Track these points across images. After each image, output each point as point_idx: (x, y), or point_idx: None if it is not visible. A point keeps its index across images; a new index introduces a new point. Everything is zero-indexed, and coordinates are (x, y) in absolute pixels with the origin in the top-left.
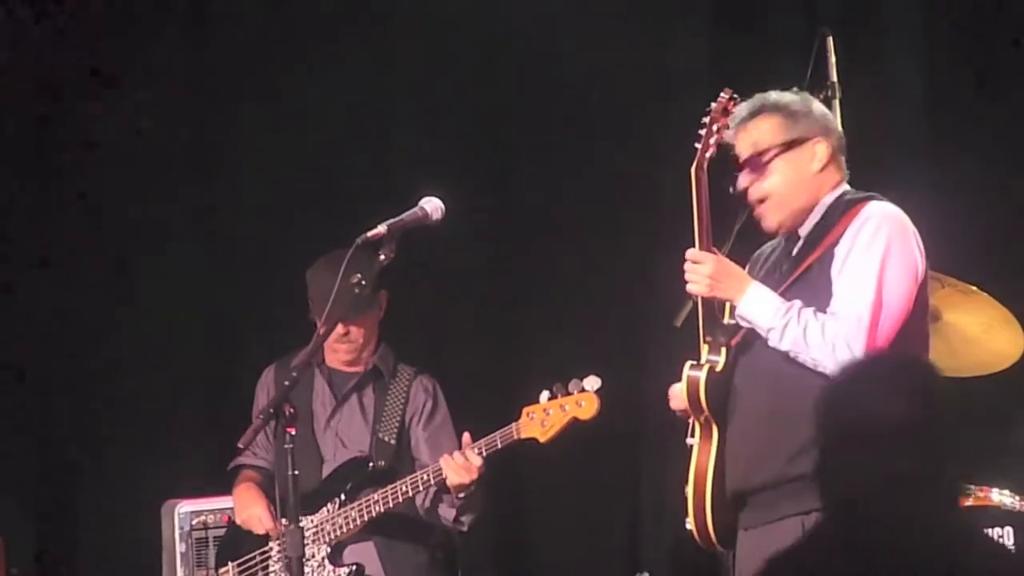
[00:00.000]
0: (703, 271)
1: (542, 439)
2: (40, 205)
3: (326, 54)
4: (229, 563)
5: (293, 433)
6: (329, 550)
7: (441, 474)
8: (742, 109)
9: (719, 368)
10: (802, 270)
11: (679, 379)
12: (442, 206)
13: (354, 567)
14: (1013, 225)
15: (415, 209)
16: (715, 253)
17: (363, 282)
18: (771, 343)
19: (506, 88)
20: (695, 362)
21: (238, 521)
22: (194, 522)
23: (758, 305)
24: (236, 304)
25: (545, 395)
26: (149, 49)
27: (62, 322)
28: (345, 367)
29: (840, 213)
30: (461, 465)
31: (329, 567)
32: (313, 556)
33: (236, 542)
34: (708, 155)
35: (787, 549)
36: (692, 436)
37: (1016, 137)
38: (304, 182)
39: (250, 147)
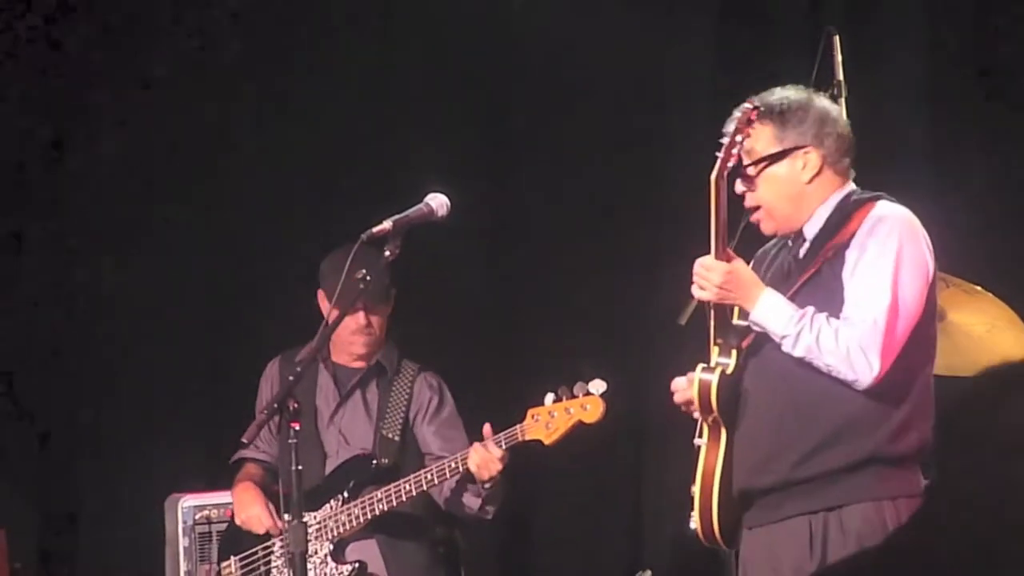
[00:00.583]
0: (712, 279)
1: (547, 441)
2: (42, 201)
3: (329, 51)
4: (231, 557)
5: (297, 428)
6: (332, 547)
7: (467, 461)
8: (741, 110)
9: (730, 371)
10: (812, 272)
11: (682, 376)
12: (447, 202)
13: (356, 564)
14: (1018, 224)
15: (420, 205)
16: (731, 259)
17: (368, 277)
18: (784, 349)
19: (510, 86)
20: (706, 365)
21: (237, 522)
22: (197, 516)
23: (770, 313)
24: (239, 298)
25: (550, 397)
26: (150, 43)
27: (64, 316)
28: (349, 362)
29: (848, 214)
30: (484, 458)
31: (332, 564)
32: (316, 553)
33: (238, 536)
34: (729, 164)
35: (790, 546)
36: (700, 436)
37: (1020, 135)
38: (308, 178)
39: (253, 143)
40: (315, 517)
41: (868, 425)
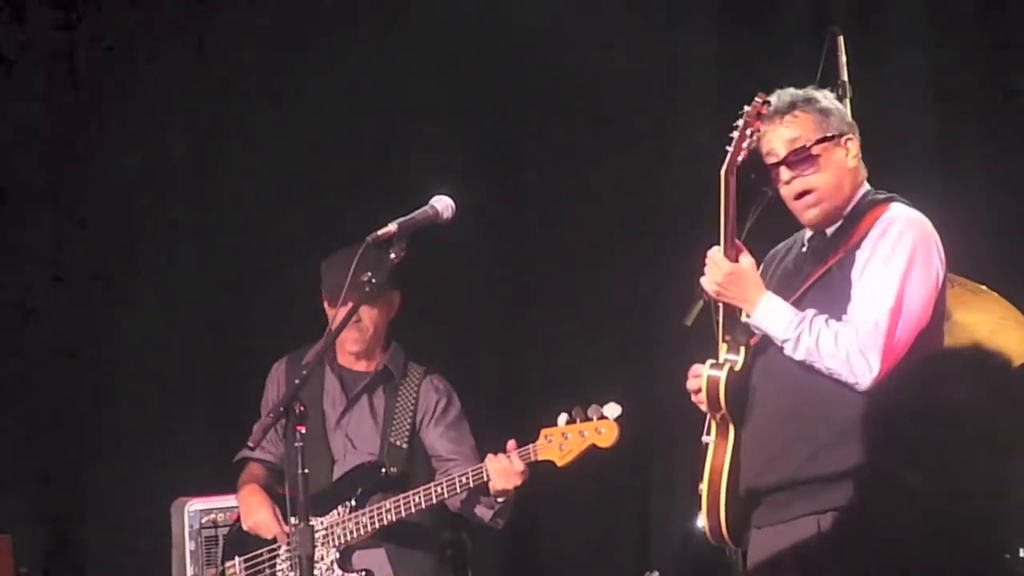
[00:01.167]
0: (713, 276)
1: (560, 463)
2: (45, 206)
3: (334, 52)
4: (236, 558)
5: (303, 432)
6: (338, 555)
7: (481, 476)
8: (775, 104)
9: (738, 368)
10: (823, 272)
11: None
12: (453, 205)
13: (363, 573)
14: (1023, 224)
15: (426, 208)
16: (740, 253)
17: (373, 280)
18: (787, 353)
19: (515, 89)
20: (715, 361)
21: (245, 527)
22: (204, 520)
23: (769, 317)
24: (244, 301)
25: (563, 418)
26: (155, 40)
27: (69, 321)
28: (355, 365)
29: (862, 214)
30: (506, 469)
31: (338, 571)
32: (322, 559)
33: (243, 537)
34: (740, 159)
35: (798, 546)
36: (708, 434)
37: None
38: (312, 181)
39: (256, 143)
40: (322, 523)
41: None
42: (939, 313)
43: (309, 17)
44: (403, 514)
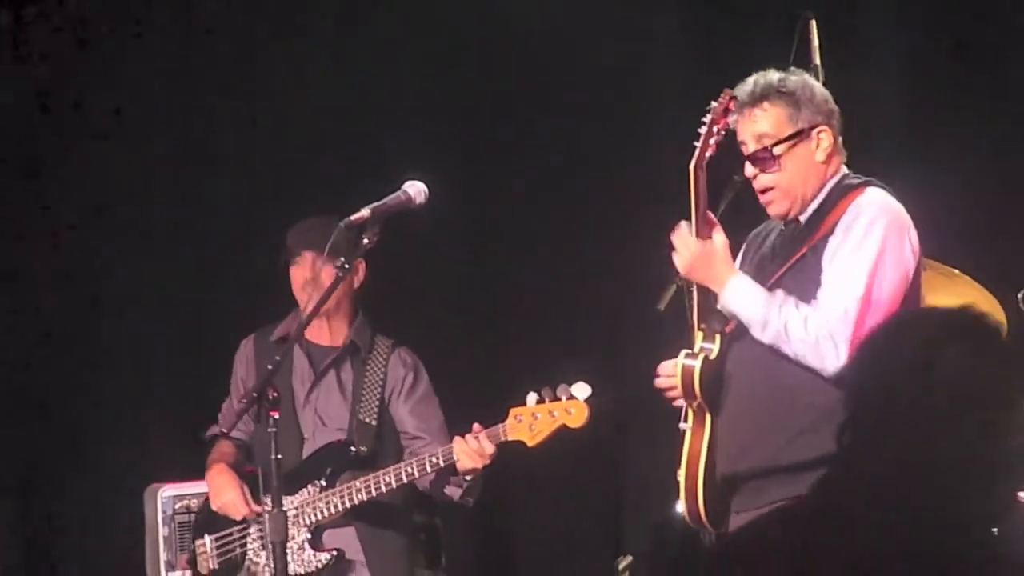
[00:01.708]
0: (683, 256)
1: (530, 443)
2: (17, 191)
3: (308, 36)
4: (206, 536)
5: (276, 417)
6: (309, 535)
7: (451, 456)
8: (746, 92)
9: (713, 356)
10: (797, 258)
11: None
12: (426, 190)
13: (335, 553)
14: (995, 207)
15: (398, 193)
16: (715, 228)
17: (347, 266)
18: (754, 335)
19: (487, 73)
20: (690, 351)
21: (214, 507)
22: (177, 506)
23: (739, 296)
24: (215, 285)
25: (533, 398)
26: (132, 31)
27: (42, 306)
28: (322, 339)
29: (836, 200)
30: (475, 451)
31: (309, 551)
32: (293, 538)
33: (214, 516)
34: (708, 155)
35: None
36: (685, 421)
37: (998, 118)
38: (284, 165)
39: (230, 128)
40: (292, 502)
41: None
42: (911, 300)
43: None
44: (373, 493)
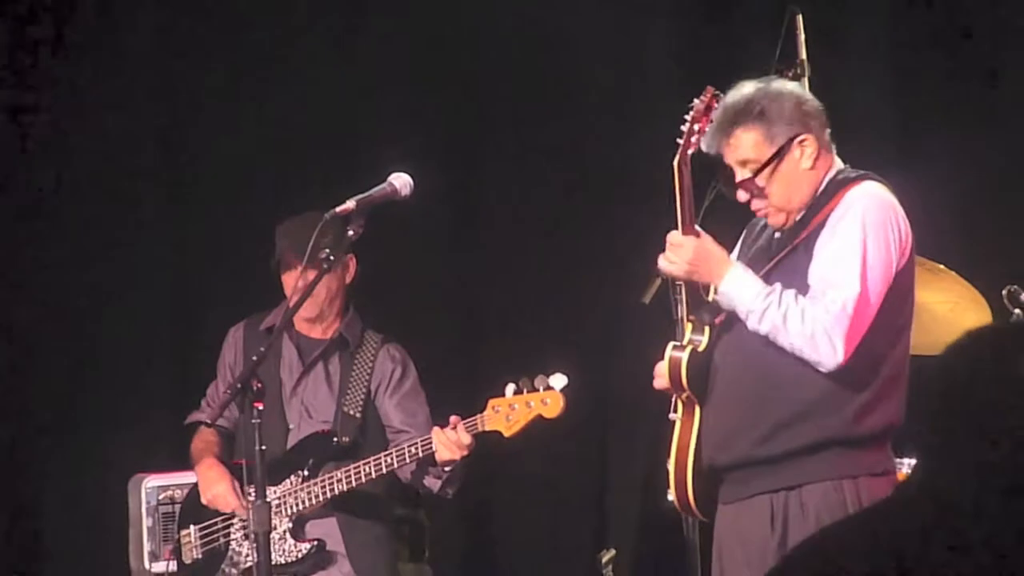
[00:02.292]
0: (683, 255)
1: (506, 433)
2: (5, 179)
3: (296, 27)
4: (191, 526)
5: (261, 408)
6: (291, 524)
7: (430, 446)
8: (718, 118)
9: (701, 348)
10: (789, 249)
11: (652, 358)
12: (411, 182)
13: (316, 543)
14: (982, 203)
15: (384, 184)
16: (699, 236)
17: (332, 257)
18: (750, 326)
19: (474, 65)
20: (678, 343)
21: (204, 500)
22: (161, 496)
23: (737, 286)
24: (202, 274)
25: (511, 388)
26: (119, 18)
27: (26, 299)
28: (312, 331)
29: (832, 193)
30: (453, 442)
31: (291, 541)
32: (275, 528)
33: (198, 506)
34: (690, 151)
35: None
36: (674, 412)
37: (986, 114)
38: (271, 155)
39: (218, 118)
40: (275, 492)
41: (830, 406)
42: (899, 289)
43: None
44: (354, 484)
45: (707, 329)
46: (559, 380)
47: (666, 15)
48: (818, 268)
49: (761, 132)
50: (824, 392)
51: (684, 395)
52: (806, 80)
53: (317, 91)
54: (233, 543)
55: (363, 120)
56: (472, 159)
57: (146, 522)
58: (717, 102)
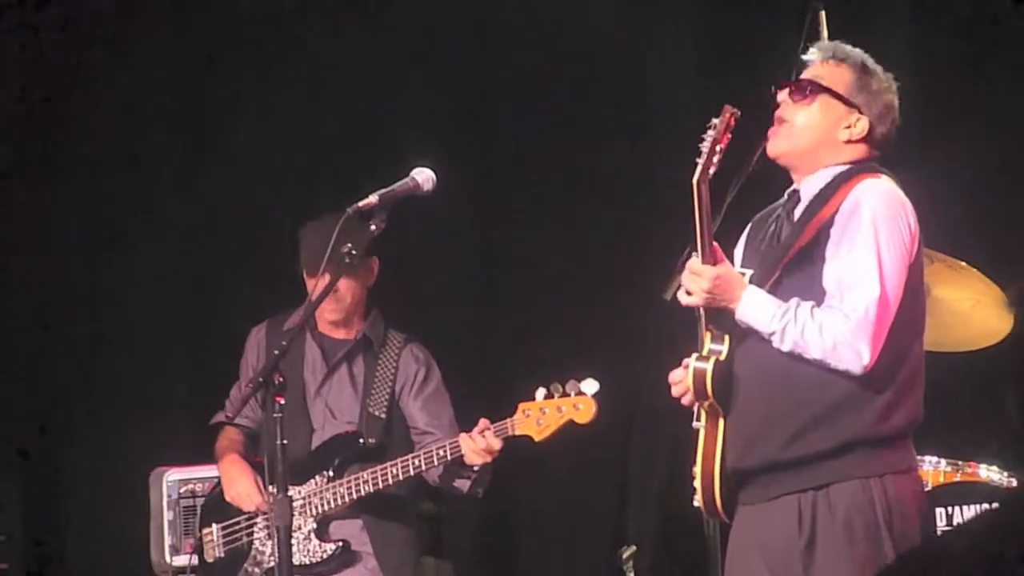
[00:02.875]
0: (700, 285)
1: (537, 438)
2: (29, 173)
3: (320, 24)
4: (213, 524)
5: (282, 403)
6: (316, 525)
7: (458, 449)
8: (833, 46)
9: (723, 357)
10: (798, 249)
11: (674, 361)
12: (434, 177)
13: (340, 544)
14: (1004, 200)
15: (406, 179)
16: (718, 260)
17: (353, 251)
18: (774, 345)
19: (498, 62)
20: (700, 354)
21: (227, 497)
22: (182, 490)
23: (753, 310)
24: (223, 269)
25: (541, 393)
26: (141, 14)
27: (48, 291)
28: (335, 332)
29: (838, 185)
30: (483, 448)
31: (316, 541)
32: (299, 528)
33: (221, 504)
34: (711, 171)
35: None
36: (698, 420)
37: (1009, 111)
38: (293, 150)
39: (240, 114)
40: (300, 492)
41: (855, 407)
42: (914, 284)
43: None
44: (380, 485)
45: (727, 338)
46: (591, 385)
47: (687, 9)
48: (833, 271)
49: (853, 79)
50: (848, 393)
51: (708, 404)
52: None
53: (340, 88)
54: (256, 542)
55: (388, 119)
56: (497, 157)
57: (167, 515)
58: (736, 120)
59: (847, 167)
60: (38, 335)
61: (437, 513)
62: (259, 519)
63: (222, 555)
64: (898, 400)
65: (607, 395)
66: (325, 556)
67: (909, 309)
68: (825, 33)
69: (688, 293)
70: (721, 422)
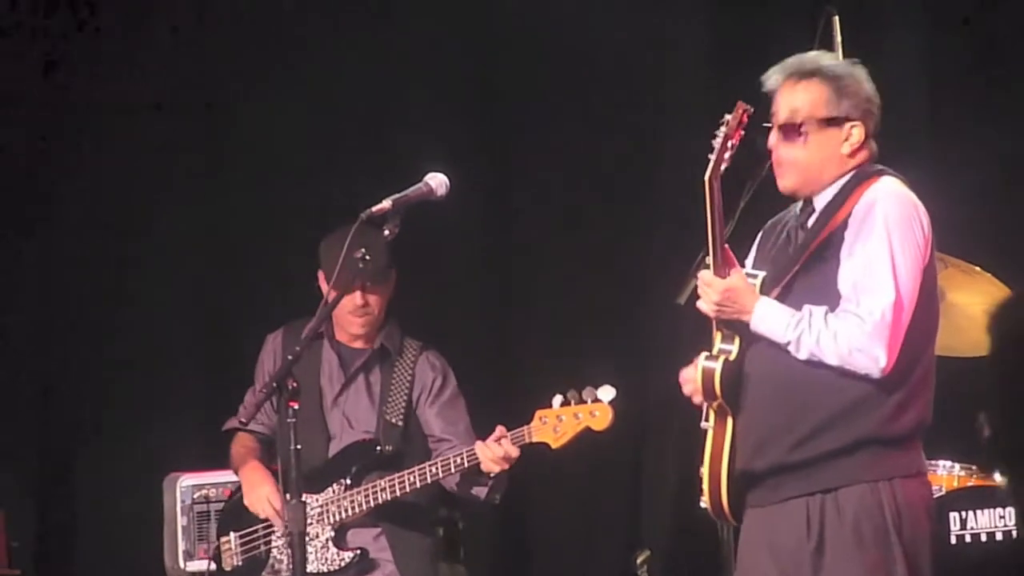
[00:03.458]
0: (711, 297)
1: (554, 445)
2: (43, 170)
3: (331, 27)
4: (231, 532)
5: (295, 408)
6: (333, 533)
7: (475, 457)
8: (794, 63)
9: (733, 357)
10: (811, 253)
11: (685, 364)
12: (447, 181)
13: (359, 551)
14: (1017, 204)
15: (420, 184)
16: (730, 261)
17: (367, 256)
18: (791, 353)
19: (510, 66)
20: (710, 353)
21: (246, 503)
22: (196, 495)
23: (768, 321)
24: (237, 274)
25: (558, 400)
26: (153, 16)
27: (62, 295)
28: (354, 343)
29: (851, 189)
30: (501, 456)
31: (333, 550)
32: (317, 536)
33: (239, 512)
34: (723, 167)
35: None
36: (706, 420)
37: (1022, 115)
38: (307, 155)
39: (253, 118)
40: (317, 500)
41: (864, 409)
42: (928, 287)
43: None
44: (398, 493)
45: (737, 338)
46: (608, 392)
47: (699, 13)
48: (848, 275)
49: (829, 93)
50: (860, 395)
51: (716, 404)
52: None
53: (353, 92)
54: (275, 551)
55: (399, 120)
56: (510, 162)
57: (181, 521)
58: (748, 117)
59: (854, 172)
60: (51, 340)
61: (453, 518)
62: (277, 528)
63: (240, 563)
64: (908, 401)
65: (621, 399)
66: (343, 564)
67: (923, 312)
68: (839, 38)
69: (702, 303)
70: (730, 422)
